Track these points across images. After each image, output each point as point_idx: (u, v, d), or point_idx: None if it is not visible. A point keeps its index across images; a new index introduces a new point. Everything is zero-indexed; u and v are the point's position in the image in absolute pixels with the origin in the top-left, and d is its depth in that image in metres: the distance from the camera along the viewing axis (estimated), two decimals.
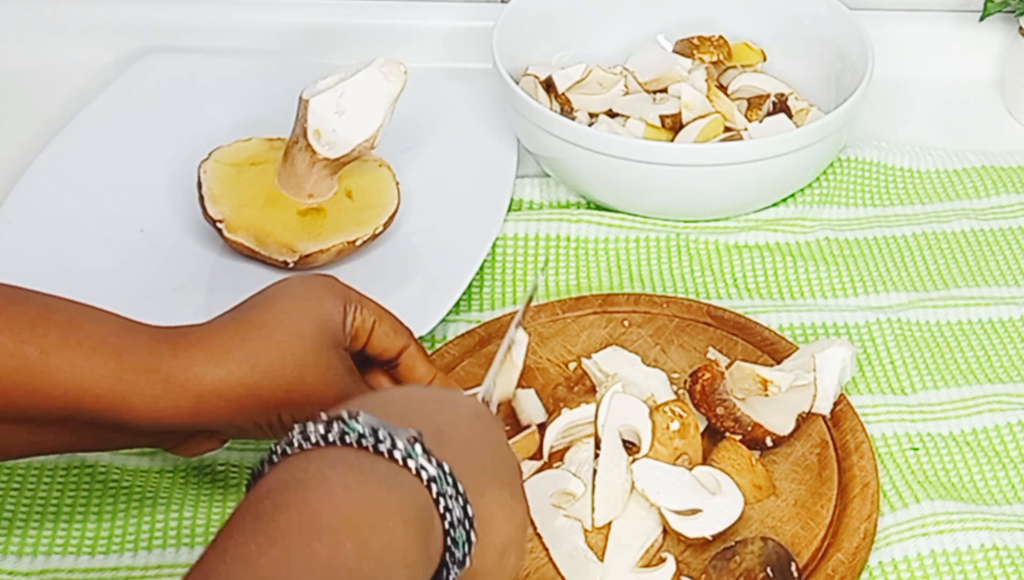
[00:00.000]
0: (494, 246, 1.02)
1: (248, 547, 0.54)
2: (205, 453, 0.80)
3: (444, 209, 1.03)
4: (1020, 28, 1.15)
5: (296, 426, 0.60)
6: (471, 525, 0.61)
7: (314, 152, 0.96)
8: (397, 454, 0.59)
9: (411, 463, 0.60)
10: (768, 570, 0.76)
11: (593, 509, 0.80)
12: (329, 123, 0.96)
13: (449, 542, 0.60)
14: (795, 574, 0.77)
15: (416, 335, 0.82)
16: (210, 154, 1.00)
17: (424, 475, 0.60)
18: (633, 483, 0.81)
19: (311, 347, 0.75)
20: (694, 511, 0.80)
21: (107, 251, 1.00)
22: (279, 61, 1.18)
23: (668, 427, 0.83)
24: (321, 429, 0.60)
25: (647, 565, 0.79)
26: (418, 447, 0.60)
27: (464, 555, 0.61)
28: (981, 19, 1.18)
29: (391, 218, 0.99)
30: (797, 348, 0.91)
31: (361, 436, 0.59)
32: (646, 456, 0.82)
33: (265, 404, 0.74)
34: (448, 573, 0.61)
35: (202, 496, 0.85)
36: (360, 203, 0.99)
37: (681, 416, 0.83)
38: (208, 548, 0.55)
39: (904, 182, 1.10)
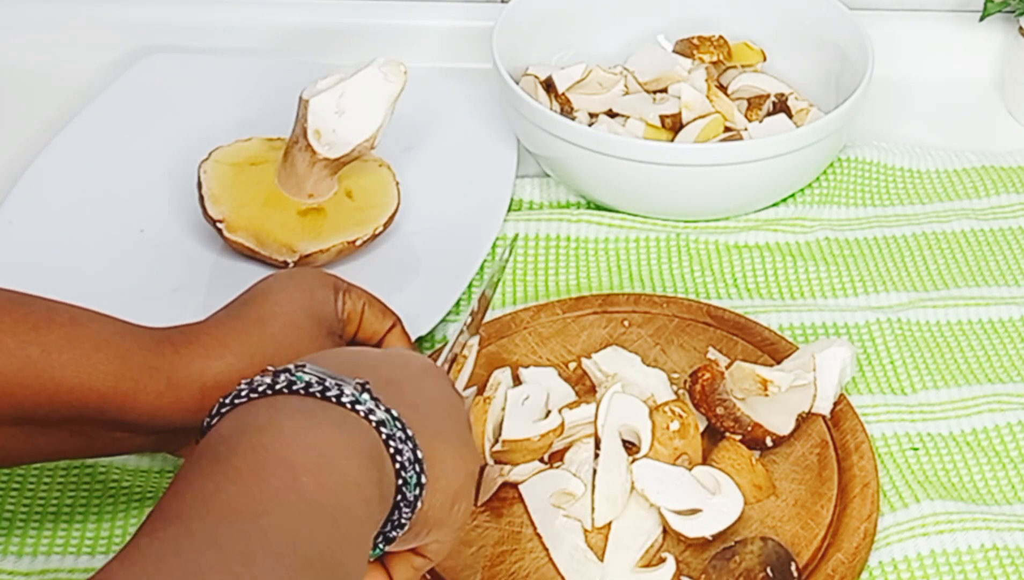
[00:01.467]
0: (494, 246, 1.02)
1: (206, 486, 0.55)
2: None
3: (444, 209, 1.03)
4: (1020, 28, 1.15)
5: (243, 381, 0.61)
6: (421, 468, 0.62)
7: (314, 152, 0.96)
8: (345, 399, 0.61)
9: (359, 408, 0.61)
10: (768, 570, 0.76)
11: (593, 509, 0.80)
12: (329, 123, 0.96)
13: (401, 483, 0.62)
14: (795, 574, 0.77)
15: (416, 335, 0.82)
16: (210, 154, 1.00)
17: (373, 419, 0.61)
18: (633, 483, 0.81)
19: (306, 336, 0.77)
20: (694, 511, 0.79)
21: (107, 251, 1.00)
22: (279, 61, 1.18)
23: (668, 427, 0.83)
24: (268, 379, 0.61)
25: (647, 565, 0.79)
26: (365, 394, 0.61)
27: (415, 497, 0.62)
28: (981, 19, 1.18)
29: (391, 218, 0.99)
30: (797, 348, 0.91)
31: (308, 384, 0.60)
32: (646, 456, 0.82)
33: None
34: (400, 515, 0.62)
35: None
36: (360, 203, 0.99)
37: (681, 416, 0.83)
38: (166, 493, 0.56)
39: (904, 182, 1.10)
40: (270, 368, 0.61)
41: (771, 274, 1.01)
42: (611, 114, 1.10)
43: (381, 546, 0.63)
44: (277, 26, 1.22)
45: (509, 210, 1.04)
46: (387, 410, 0.62)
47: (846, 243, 1.04)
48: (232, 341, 0.75)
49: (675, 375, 0.89)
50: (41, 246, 0.99)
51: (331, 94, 0.95)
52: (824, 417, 0.87)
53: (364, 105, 0.96)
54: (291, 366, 0.61)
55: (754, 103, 1.10)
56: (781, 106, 1.10)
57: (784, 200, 1.07)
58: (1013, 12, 1.16)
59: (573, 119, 1.07)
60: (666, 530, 0.80)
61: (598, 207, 1.06)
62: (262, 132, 1.03)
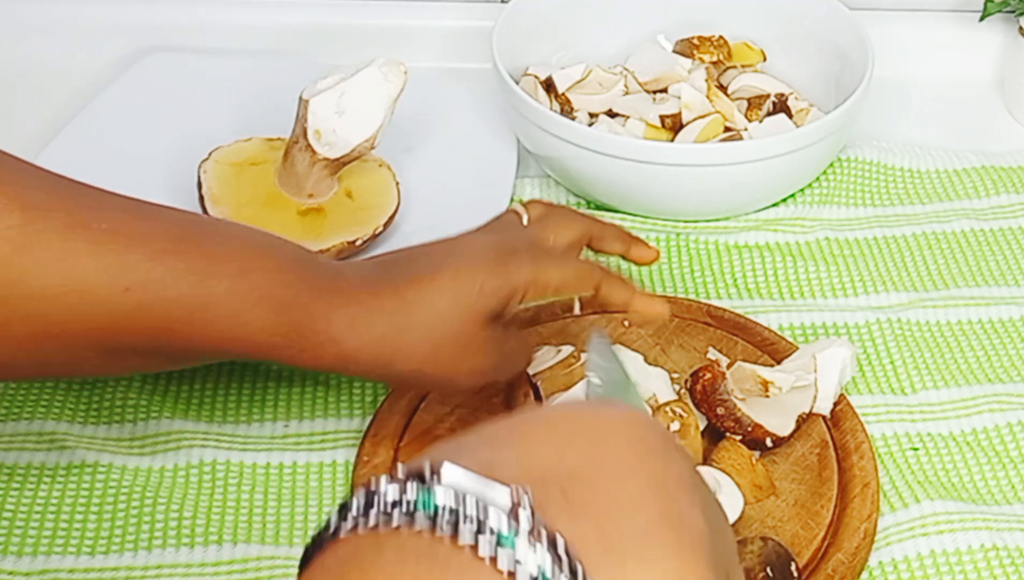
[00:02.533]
0: None
1: None
2: None
3: (444, 209, 1.03)
4: (1020, 28, 1.15)
5: (360, 489, 0.43)
6: None
7: (314, 152, 0.96)
8: (483, 551, 0.41)
9: (502, 558, 0.41)
10: (768, 570, 0.76)
11: None
12: (329, 123, 0.96)
13: None
14: (795, 574, 0.77)
15: None
16: (210, 154, 1.00)
17: (522, 572, 0.41)
18: None
19: (451, 331, 0.77)
20: None
21: None
22: (279, 61, 1.18)
23: (668, 427, 0.83)
24: (394, 495, 0.42)
25: None
26: (523, 517, 0.42)
27: None
28: (981, 19, 1.18)
29: (391, 218, 0.99)
30: (797, 348, 0.91)
31: (436, 513, 0.42)
32: None
33: (397, 372, 0.77)
34: None
35: (202, 496, 0.85)
36: (360, 203, 0.99)
37: (681, 416, 0.83)
38: None
39: (904, 182, 1.10)
40: (400, 472, 0.43)
41: (771, 274, 1.01)
42: (611, 114, 1.10)
43: None
44: (277, 26, 1.22)
45: None
46: (550, 542, 0.41)
47: (846, 243, 1.04)
48: (375, 321, 0.76)
49: (675, 375, 0.89)
50: None
51: (331, 94, 0.96)
52: (824, 417, 0.87)
53: (364, 105, 0.96)
54: (427, 469, 0.43)
55: (754, 103, 1.10)
56: (781, 106, 1.10)
57: (784, 200, 1.07)
58: (1013, 12, 1.16)
59: (573, 119, 1.07)
60: None
61: (598, 207, 1.06)
62: (262, 132, 1.03)
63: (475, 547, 0.41)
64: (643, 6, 1.17)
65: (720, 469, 0.82)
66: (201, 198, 0.98)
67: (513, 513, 0.42)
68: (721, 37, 1.13)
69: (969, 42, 1.22)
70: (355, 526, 0.43)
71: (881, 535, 0.82)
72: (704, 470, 0.82)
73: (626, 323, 0.93)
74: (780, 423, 0.85)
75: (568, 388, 0.86)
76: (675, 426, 0.83)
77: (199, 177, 0.98)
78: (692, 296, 0.99)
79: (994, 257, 1.03)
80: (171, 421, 0.88)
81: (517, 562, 0.41)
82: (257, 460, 0.87)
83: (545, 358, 0.88)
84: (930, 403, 0.91)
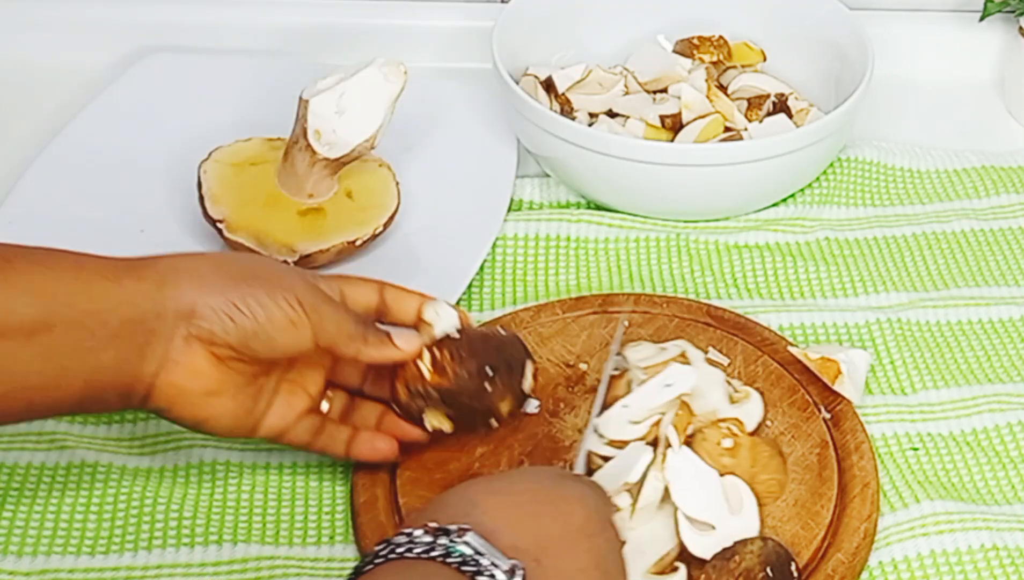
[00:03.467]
0: (494, 246, 1.02)
1: None
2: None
3: (444, 209, 1.03)
4: (1020, 28, 1.15)
5: (402, 534, 0.62)
6: None
7: (314, 152, 0.96)
8: None
9: None
10: (768, 570, 0.76)
11: (632, 514, 0.80)
12: (329, 123, 0.96)
13: None
14: (795, 574, 0.77)
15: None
16: (210, 154, 1.00)
17: None
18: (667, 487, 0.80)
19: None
20: (708, 525, 0.79)
21: (107, 251, 0.99)
22: (279, 61, 1.18)
23: (720, 443, 0.82)
24: (427, 541, 0.62)
25: (660, 572, 0.79)
26: (517, 575, 0.62)
27: None
28: (981, 19, 1.18)
29: (391, 218, 0.99)
30: (796, 345, 0.91)
31: (463, 561, 0.61)
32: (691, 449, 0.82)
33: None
34: None
35: (202, 496, 0.85)
36: (360, 203, 0.99)
37: (735, 435, 0.82)
38: None
39: (904, 182, 1.10)
40: (431, 525, 0.62)
41: (771, 274, 1.01)
42: (611, 114, 1.10)
43: None
44: (277, 26, 1.22)
45: (509, 210, 1.04)
46: None
47: (846, 243, 1.04)
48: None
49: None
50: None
51: (331, 94, 0.96)
52: (824, 418, 0.87)
53: (364, 105, 0.96)
54: (453, 529, 0.62)
55: (754, 103, 1.10)
56: (781, 106, 1.10)
57: (784, 200, 1.07)
58: (1013, 12, 1.16)
59: (573, 119, 1.07)
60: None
61: (598, 207, 1.06)
62: (262, 132, 1.03)
63: None
64: (643, 6, 1.17)
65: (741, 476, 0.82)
66: (201, 198, 0.98)
67: (511, 572, 0.62)
68: (721, 37, 1.13)
69: (969, 42, 1.22)
70: (403, 555, 0.61)
71: (881, 535, 0.82)
72: (734, 483, 0.81)
73: (626, 323, 0.93)
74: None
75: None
76: (727, 443, 0.82)
77: (199, 177, 0.98)
78: (692, 296, 0.99)
79: (994, 257, 1.03)
80: (171, 422, 0.88)
81: None
82: (257, 460, 0.87)
83: (646, 353, 0.88)
84: (930, 403, 0.91)
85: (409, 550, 0.61)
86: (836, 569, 0.79)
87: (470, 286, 0.99)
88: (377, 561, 0.62)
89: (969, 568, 0.81)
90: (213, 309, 0.74)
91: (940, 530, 0.82)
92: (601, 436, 0.84)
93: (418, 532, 0.62)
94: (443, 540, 0.61)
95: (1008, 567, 0.81)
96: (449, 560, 0.61)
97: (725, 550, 0.77)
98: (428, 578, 0.60)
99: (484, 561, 0.61)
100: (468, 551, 0.61)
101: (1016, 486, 0.87)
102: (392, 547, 0.62)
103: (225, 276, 0.76)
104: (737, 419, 0.84)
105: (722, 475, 0.81)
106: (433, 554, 0.61)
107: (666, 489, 0.80)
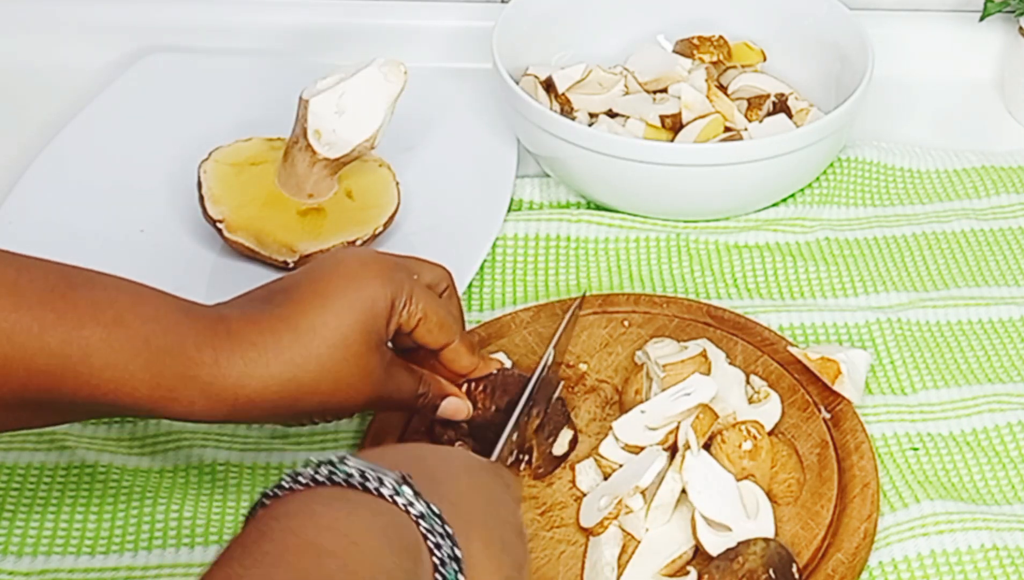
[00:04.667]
0: (494, 246, 1.02)
1: (233, 569, 0.55)
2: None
3: (444, 209, 1.03)
4: (1020, 28, 1.15)
5: (286, 472, 0.61)
6: (459, 566, 0.61)
7: (314, 152, 0.96)
8: (385, 491, 0.60)
9: (399, 500, 0.60)
10: (770, 571, 0.76)
11: (646, 515, 0.80)
12: (329, 123, 0.96)
13: (438, 578, 0.61)
14: (796, 575, 0.77)
15: None
16: (210, 154, 1.00)
17: (412, 512, 0.60)
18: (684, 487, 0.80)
19: (352, 358, 0.74)
20: (725, 527, 0.79)
21: (107, 251, 0.99)
22: (279, 61, 1.18)
23: (740, 446, 0.82)
24: (310, 471, 0.60)
25: (671, 575, 0.79)
26: (406, 487, 0.61)
27: None
28: (981, 19, 1.18)
29: (391, 218, 0.99)
30: (796, 345, 0.91)
31: (349, 476, 0.60)
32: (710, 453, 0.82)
33: (299, 410, 0.75)
34: None
35: (202, 496, 0.85)
36: (360, 203, 0.99)
37: (755, 438, 0.82)
38: (200, 578, 0.56)
39: (904, 182, 1.10)
40: (312, 459, 0.61)
41: (771, 274, 1.01)
42: (611, 114, 1.10)
43: None
44: (277, 26, 1.22)
45: (509, 210, 1.04)
46: (427, 504, 0.61)
47: (846, 243, 1.04)
48: (274, 359, 0.73)
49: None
50: (41, 246, 0.98)
51: (331, 94, 0.96)
52: (824, 418, 0.87)
53: (364, 105, 0.96)
54: (334, 458, 0.61)
55: (754, 103, 1.10)
56: (781, 106, 1.10)
57: (784, 200, 1.07)
58: (1013, 12, 1.16)
59: (573, 119, 1.07)
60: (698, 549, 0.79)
61: (598, 207, 1.06)
62: (262, 132, 1.03)
63: (379, 493, 0.60)
64: (643, 6, 1.17)
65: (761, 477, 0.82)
66: (201, 198, 0.98)
67: (401, 481, 0.61)
68: (721, 37, 1.13)
69: (969, 42, 1.22)
70: (290, 488, 0.60)
71: (881, 535, 0.82)
72: (751, 487, 0.81)
73: (626, 323, 0.93)
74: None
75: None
76: (747, 445, 0.82)
77: (199, 177, 0.98)
78: (692, 296, 0.99)
79: (994, 257, 1.03)
80: (171, 421, 0.88)
81: (409, 503, 0.60)
82: (257, 460, 0.87)
83: (669, 351, 0.88)
84: (930, 403, 0.91)
85: (295, 481, 0.60)
86: (836, 569, 0.79)
87: (470, 286, 0.99)
88: (265, 502, 0.60)
89: (969, 568, 0.81)
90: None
91: (940, 530, 0.82)
92: (617, 440, 0.84)
93: (298, 470, 0.61)
94: (324, 469, 0.60)
95: (1008, 567, 0.81)
96: (335, 479, 0.60)
97: (728, 551, 0.77)
98: (312, 498, 0.59)
99: (370, 473, 0.60)
100: (352, 470, 0.60)
101: (1016, 486, 0.87)
102: (276, 486, 0.60)
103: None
104: (756, 422, 0.84)
105: (741, 479, 0.81)
106: (318, 478, 0.60)
107: (682, 491, 0.80)
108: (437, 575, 0.61)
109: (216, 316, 0.74)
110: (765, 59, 1.14)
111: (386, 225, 0.99)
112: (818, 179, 1.08)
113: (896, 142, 1.13)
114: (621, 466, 0.82)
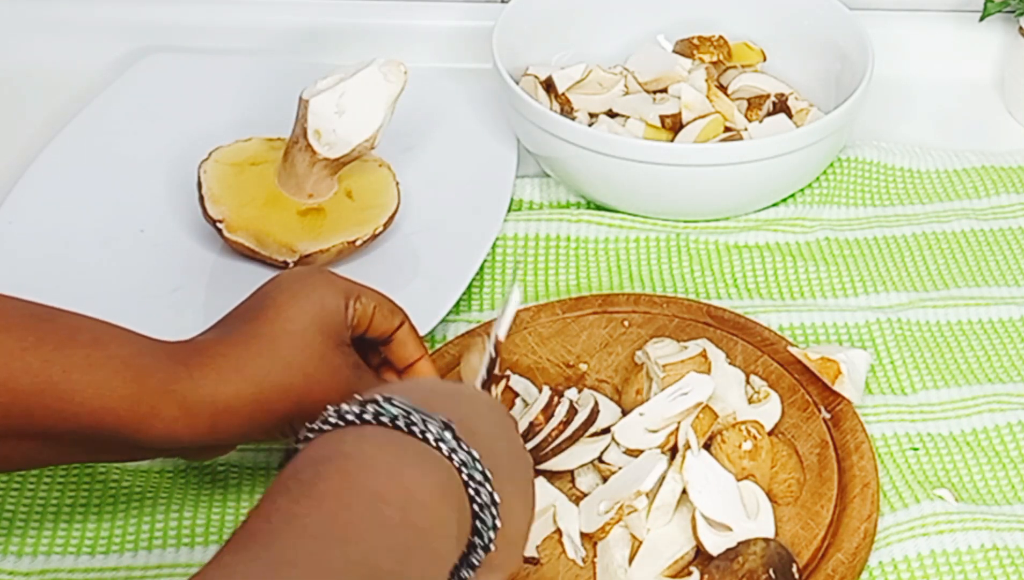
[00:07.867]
0: (494, 246, 1.02)
1: (292, 509, 0.56)
2: (219, 456, 0.83)
3: (444, 209, 1.03)
4: (1020, 28, 1.15)
5: (331, 407, 0.62)
6: (496, 511, 0.63)
7: (314, 152, 0.96)
8: (430, 436, 0.61)
9: (443, 446, 0.62)
10: (771, 572, 0.76)
11: (648, 515, 0.80)
12: (329, 123, 0.96)
13: (478, 524, 0.63)
14: (796, 575, 0.77)
15: None
16: (210, 154, 1.00)
17: (456, 458, 0.62)
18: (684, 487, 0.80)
19: (317, 355, 0.77)
20: (725, 527, 0.79)
21: (107, 251, 1.00)
22: (279, 61, 1.18)
23: (740, 446, 0.82)
24: (356, 409, 0.62)
25: (673, 576, 0.78)
26: (448, 433, 0.62)
27: (489, 540, 0.63)
28: (981, 19, 1.18)
29: (391, 218, 0.99)
30: (796, 345, 0.91)
31: (395, 418, 0.61)
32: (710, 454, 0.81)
33: (276, 415, 0.76)
34: (473, 556, 0.63)
35: (202, 496, 0.85)
36: (360, 203, 0.99)
37: (755, 438, 0.82)
38: (251, 512, 0.56)
39: (904, 182, 1.10)
40: (357, 397, 0.62)
41: (771, 274, 1.01)
42: (611, 114, 1.10)
43: None
44: (277, 26, 1.22)
45: (509, 210, 1.04)
46: (468, 451, 0.62)
47: (846, 243, 1.04)
48: (244, 364, 0.75)
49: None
50: (41, 246, 0.99)
51: (331, 94, 0.96)
52: (824, 418, 0.87)
53: (364, 105, 0.96)
54: (379, 397, 0.62)
55: (754, 103, 1.10)
56: (781, 106, 1.10)
57: (784, 200, 1.07)
58: (1013, 12, 1.16)
59: (573, 119, 1.07)
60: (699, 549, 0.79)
61: (598, 207, 1.06)
62: (262, 132, 1.03)
63: (424, 438, 0.61)
64: (643, 6, 1.17)
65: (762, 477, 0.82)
66: (201, 198, 0.98)
67: (444, 426, 0.62)
68: (721, 37, 1.13)
69: (969, 42, 1.22)
70: (331, 427, 0.61)
71: (881, 535, 0.82)
72: (751, 488, 0.81)
73: (626, 323, 0.93)
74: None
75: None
76: (747, 446, 0.82)
77: (199, 177, 0.98)
78: (692, 296, 0.99)
79: (994, 257, 1.03)
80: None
81: (453, 450, 0.62)
82: (257, 460, 0.87)
83: (668, 351, 0.88)
84: (930, 403, 0.91)
85: (341, 417, 0.61)
86: (836, 569, 0.79)
87: (470, 286, 0.99)
88: (310, 435, 0.62)
89: (969, 568, 0.81)
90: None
91: (940, 530, 0.82)
92: (618, 444, 0.84)
93: (344, 406, 0.62)
94: (371, 407, 0.61)
95: (1008, 567, 0.81)
96: (382, 420, 0.61)
97: (728, 551, 0.77)
98: (365, 439, 0.60)
99: (415, 417, 0.61)
100: (399, 411, 0.61)
101: (1016, 486, 0.87)
102: (322, 421, 0.62)
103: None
104: (756, 422, 0.84)
105: (742, 479, 0.81)
106: (366, 416, 0.61)
107: (683, 491, 0.80)
108: (476, 521, 0.62)
109: (185, 342, 0.76)
110: (765, 59, 1.14)
111: (386, 225, 0.99)
112: (818, 179, 1.08)
113: (896, 142, 1.13)
114: (620, 469, 0.82)
